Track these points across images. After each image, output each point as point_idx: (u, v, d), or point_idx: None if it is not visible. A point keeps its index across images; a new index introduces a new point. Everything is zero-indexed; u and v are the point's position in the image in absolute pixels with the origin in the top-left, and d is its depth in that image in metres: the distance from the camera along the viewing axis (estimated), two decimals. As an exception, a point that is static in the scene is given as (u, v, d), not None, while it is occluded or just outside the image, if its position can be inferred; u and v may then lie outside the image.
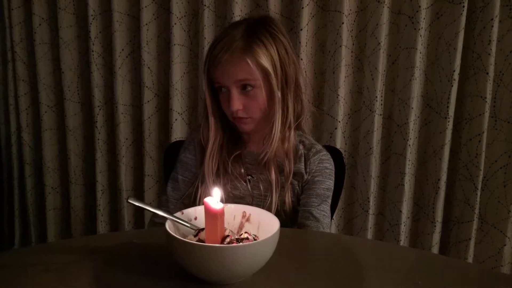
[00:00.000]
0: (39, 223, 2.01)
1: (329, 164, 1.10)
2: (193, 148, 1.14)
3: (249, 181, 1.08)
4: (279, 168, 1.07)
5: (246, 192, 1.08)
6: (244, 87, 1.00)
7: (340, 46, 1.56)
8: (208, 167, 1.06)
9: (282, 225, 1.07)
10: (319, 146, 1.12)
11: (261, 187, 1.07)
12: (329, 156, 1.12)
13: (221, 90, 1.03)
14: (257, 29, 1.02)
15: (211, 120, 1.07)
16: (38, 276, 0.74)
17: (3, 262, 0.80)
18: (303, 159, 1.08)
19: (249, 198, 1.07)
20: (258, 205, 1.04)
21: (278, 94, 1.02)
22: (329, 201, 1.09)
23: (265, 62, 0.99)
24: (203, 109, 1.10)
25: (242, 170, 1.08)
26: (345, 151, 1.69)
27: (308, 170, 1.08)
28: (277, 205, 1.05)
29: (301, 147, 1.10)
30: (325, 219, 1.06)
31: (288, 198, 1.06)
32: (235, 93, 1.00)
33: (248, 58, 0.98)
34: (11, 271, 0.76)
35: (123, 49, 1.75)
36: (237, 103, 1.00)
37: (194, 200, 1.09)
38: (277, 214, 1.04)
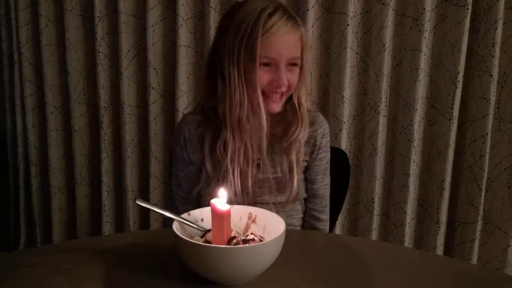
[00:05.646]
0: (44, 223, 2.03)
1: (329, 136, 1.13)
2: (184, 141, 1.09)
3: (259, 165, 1.04)
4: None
5: (260, 176, 1.04)
6: (291, 64, 0.99)
7: (345, 48, 1.56)
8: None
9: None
10: (320, 116, 1.14)
11: (278, 169, 1.05)
12: (325, 120, 1.14)
13: (265, 65, 0.97)
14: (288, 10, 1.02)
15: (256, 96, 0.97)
16: (47, 277, 0.75)
17: (12, 262, 0.81)
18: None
19: (271, 181, 1.05)
20: (280, 183, 1.04)
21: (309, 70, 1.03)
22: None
23: (306, 38, 1.01)
24: (232, 90, 0.97)
25: (249, 162, 1.03)
26: (350, 152, 1.70)
27: (312, 141, 1.09)
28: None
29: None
30: (328, 192, 1.15)
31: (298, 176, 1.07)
32: (284, 69, 0.98)
33: (302, 31, 0.99)
34: (20, 271, 0.77)
35: (129, 50, 1.76)
36: (285, 79, 0.99)
37: (199, 196, 1.07)
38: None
